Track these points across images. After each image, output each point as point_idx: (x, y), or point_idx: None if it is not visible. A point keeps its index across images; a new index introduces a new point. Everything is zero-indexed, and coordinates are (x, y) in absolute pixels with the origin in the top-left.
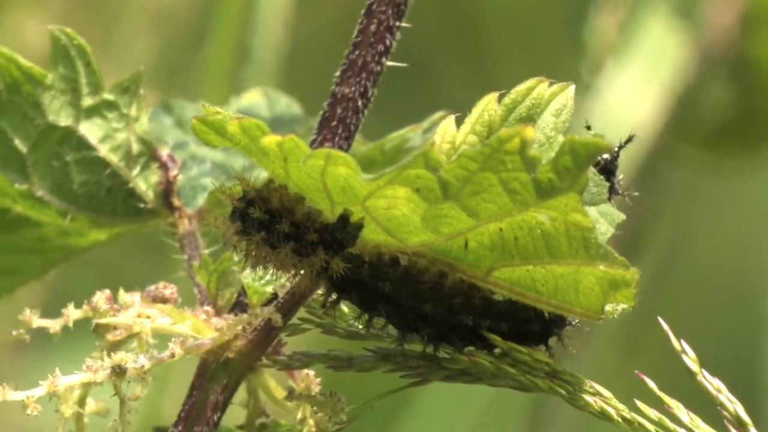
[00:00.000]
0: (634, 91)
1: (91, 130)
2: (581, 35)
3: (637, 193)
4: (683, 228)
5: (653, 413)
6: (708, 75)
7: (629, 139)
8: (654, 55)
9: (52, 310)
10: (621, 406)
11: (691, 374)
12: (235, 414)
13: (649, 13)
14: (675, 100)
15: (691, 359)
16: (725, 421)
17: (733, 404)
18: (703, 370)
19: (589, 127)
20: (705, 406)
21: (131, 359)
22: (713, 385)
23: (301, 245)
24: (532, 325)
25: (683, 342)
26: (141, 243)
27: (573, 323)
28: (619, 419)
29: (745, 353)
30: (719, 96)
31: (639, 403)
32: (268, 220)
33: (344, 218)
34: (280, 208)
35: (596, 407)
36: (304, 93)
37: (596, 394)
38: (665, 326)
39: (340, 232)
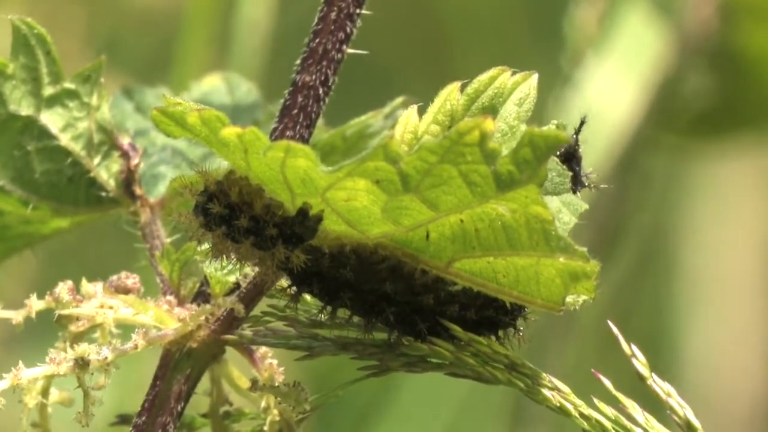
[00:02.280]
0: (614, 83)
1: (52, 120)
2: (561, 27)
3: (604, 186)
4: (664, 218)
5: (610, 411)
6: (688, 64)
7: (582, 123)
8: (634, 45)
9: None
10: (579, 402)
11: (641, 379)
12: (200, 403)
13: (629, 3)
14: (655, 90)
15: (641, 363)
16: (676, 425)
17: (683, 408)
18: (653, 374)
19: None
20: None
21: (94, 351)
22: (663, 389)
23: (261, 239)
24: (489, 311)
25: (633, 346)
26: (132, 236)
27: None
28: (577, 415)
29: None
30: (699, 85)
31: (596, 401)
32: (228, 214)
33: (303, 212)
34: (240, 202)
35: (554, 402)
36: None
37: (555, 388)
38: (615, 330)
39: (299, 226)
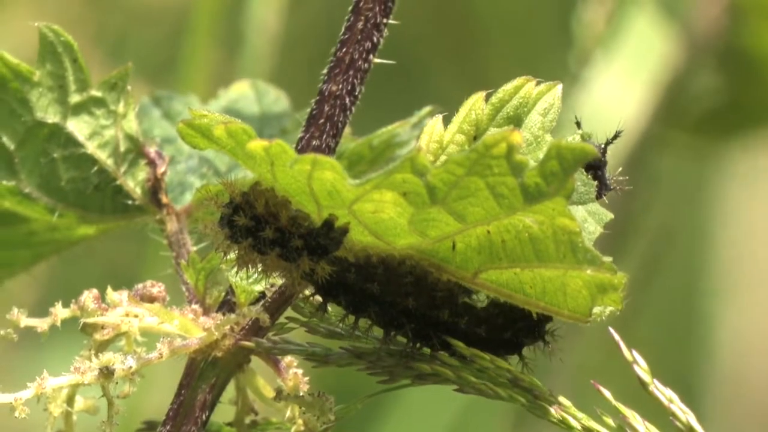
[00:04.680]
0: (621, 82)
1: (78, 127)
2: (570, 26)
3: (630, 187)
4: (672, 218)
5: (612, 422)
6: (696, 63)
7: (616, 135)
8: (642, 44)
9: (50, 305)
10: (580, 415)
11: (643, 385)
12: (225, 411)
13: (637, 2)
14: (663, 89)
15: (642, 369)
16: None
17: (685, 414)
18: (654, 380)
19: (578, 124)
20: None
21: (119, 360)
22: (665, 395)
23: (287, 251)
24: (506, 332)
25: (634, 352)
26: (141, 236)
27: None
28: (579, 428)
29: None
30: (708, 83)
31: (598, 411)
32: (254, 226)
33: (328, 224)
34: (266, 213)
35: (556, 416)
36: (298, 82)
37: (556, 402)
38: (616, 337)
39: (324, 238)
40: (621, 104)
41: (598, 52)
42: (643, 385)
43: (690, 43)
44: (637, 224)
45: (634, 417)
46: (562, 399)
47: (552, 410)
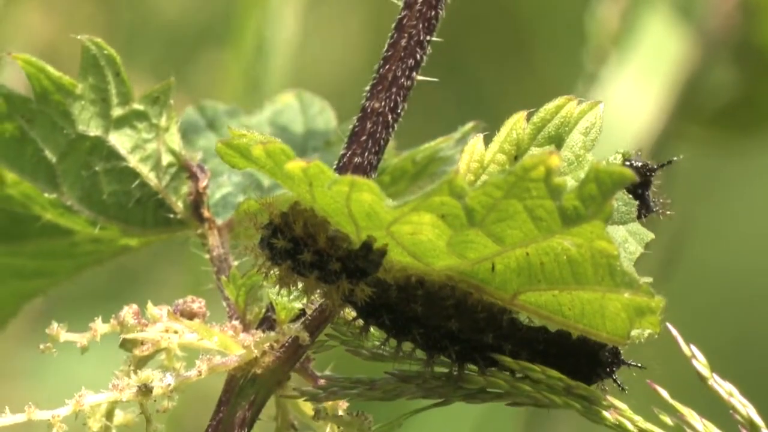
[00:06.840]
0: (637, 79)
1: (120, 141)
2: (584, 25)
3: (672, 212)
4: (689, 214)
5: (670, 420)
6: (710, 59)
7: (669, 162)
8: (656, 42)
9: (56, 306)
10: (636, 418)
11: (702, 379)
12: (265, 428)
13: (651, 0)
14: (678, 86)
15: (702, 364)
16: (738, 425)
17: (745, 407)
18: (714, 375)
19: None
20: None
21: (157, 378)
22: (725, 389)
23: (326, 273)
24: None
25: (693, 347)
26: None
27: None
28: (636, 431)
29: (755, 338)
30: (722, 79)
31: (656, 410)
32: (293, 248)
33: (367, 246)
34: (304, 235)
35: (612, 420)
36: (315, 89)
37: (611, 406)
38: (674, 332)
39: (363, 260)
40: (637, 102)
41: (613, 50)
42: (702, 379)
43: (704, 39)
44: (655, 220)
45: (691, 415)
46: (617, 403)
47: (608, 415)
